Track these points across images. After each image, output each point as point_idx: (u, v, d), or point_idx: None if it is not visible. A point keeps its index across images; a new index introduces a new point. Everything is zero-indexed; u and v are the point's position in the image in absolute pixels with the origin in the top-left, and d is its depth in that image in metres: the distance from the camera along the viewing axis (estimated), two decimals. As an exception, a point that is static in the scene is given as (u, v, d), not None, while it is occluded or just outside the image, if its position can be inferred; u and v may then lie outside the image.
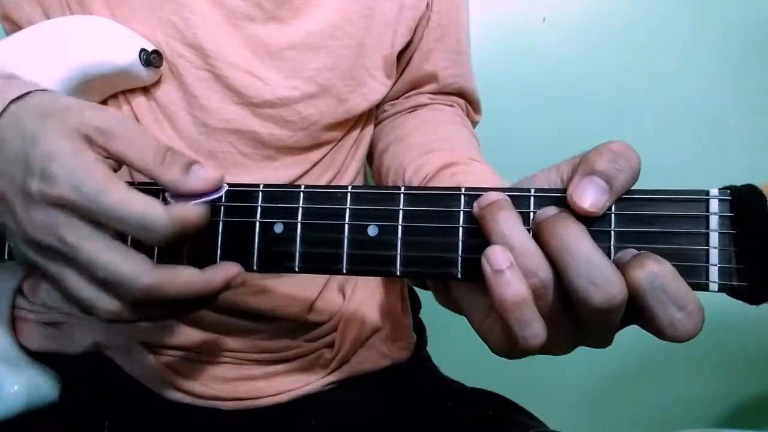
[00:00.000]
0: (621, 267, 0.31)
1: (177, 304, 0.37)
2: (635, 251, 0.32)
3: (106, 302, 0.35)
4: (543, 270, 0.32)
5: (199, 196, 0.36)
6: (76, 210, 0.34)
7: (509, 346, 0.33)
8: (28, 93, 0.37)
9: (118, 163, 0.37)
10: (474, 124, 0.71)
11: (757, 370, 1.16)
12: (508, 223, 0.32)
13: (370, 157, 0.68)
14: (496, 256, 0.31)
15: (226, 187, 0.37)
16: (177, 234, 0.34)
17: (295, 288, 0.57)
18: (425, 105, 0.66)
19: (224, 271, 0.37)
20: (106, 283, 0.35)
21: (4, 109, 0.36)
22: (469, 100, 0.70)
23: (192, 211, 0.35)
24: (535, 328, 0.31)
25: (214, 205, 0.39)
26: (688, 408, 1.19)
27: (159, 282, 0.35)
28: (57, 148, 0.34)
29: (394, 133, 0.64)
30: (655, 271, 0.30)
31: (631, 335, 0.38)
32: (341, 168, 0.61)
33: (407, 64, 0.65)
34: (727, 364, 1.16)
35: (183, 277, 0.36)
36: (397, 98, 0.68)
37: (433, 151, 0.56)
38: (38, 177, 0.34)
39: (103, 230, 0.34)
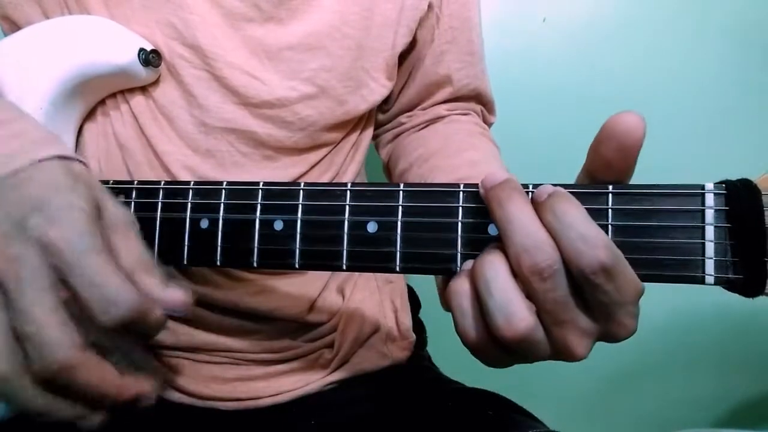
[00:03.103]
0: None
1: (79, 398, 0.34)
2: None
3: (6, 361, 0.32)
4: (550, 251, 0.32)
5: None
6: (55, 258, 0.32)
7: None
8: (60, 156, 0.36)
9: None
10: (489, 125, 0.71)
11: (757, 370, 1.16)
12: (516, 205, 0.33)
13: (389, 173, 0.68)
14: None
15: (187, 313, 0.37)
16: (130, 320, 0.33)
17: (295, 288, 0.57)
18: (443, 117, 0.66)
19: (138, 388, 0.36)
20: (26, 341, 0.32)
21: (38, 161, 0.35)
22: (483, 102, 0.70)
23: (157, 313, 0.34)
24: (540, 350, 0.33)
25: (214, 202, 0.40)
26: (688, 408, 1.19)
27: (78, 363, 0.32)
28: (78, 204, 0.34)
29: (417, 153, 0.63)
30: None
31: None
32: (340, 170, 0.61)
33: (418, 69, 0.65)
34: (727, 364, 1.16)
35: (102, 373, 0.34)
36: (413, 108, 0.68)
37: (461, 179, 0.54)
38: (43, 216, 0.33)
39: (59, 292, 0.33)
